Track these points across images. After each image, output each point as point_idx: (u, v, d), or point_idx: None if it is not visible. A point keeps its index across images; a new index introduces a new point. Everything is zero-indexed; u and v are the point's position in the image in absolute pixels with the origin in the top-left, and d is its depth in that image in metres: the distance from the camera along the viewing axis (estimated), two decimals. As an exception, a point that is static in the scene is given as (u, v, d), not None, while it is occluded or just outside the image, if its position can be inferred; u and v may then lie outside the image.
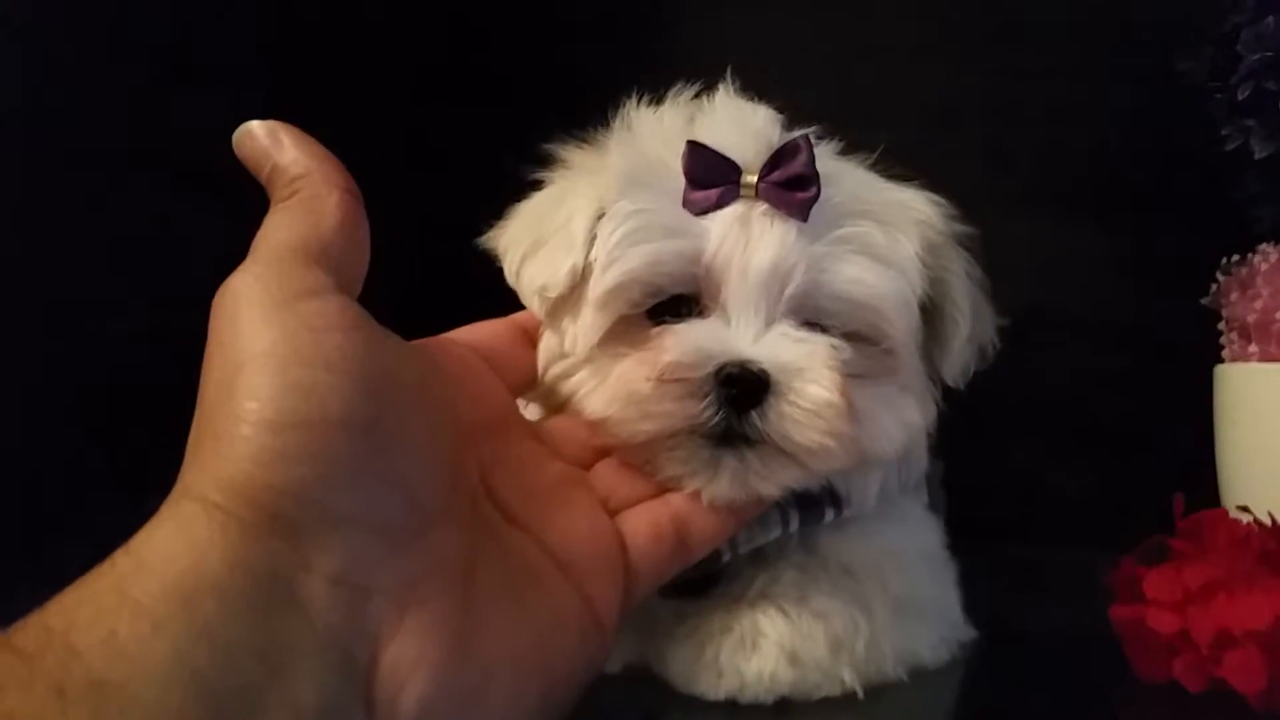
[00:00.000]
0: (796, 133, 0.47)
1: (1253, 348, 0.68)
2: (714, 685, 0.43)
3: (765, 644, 0.44)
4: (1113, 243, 0.84)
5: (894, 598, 0.48)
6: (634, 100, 0.49)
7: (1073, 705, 0.49)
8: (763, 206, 0.45)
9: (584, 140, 0.50)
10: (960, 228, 0.50)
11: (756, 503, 0.44)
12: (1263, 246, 0.69)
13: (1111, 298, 0.85)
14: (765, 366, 0.42)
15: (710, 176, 0.45)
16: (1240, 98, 0.63)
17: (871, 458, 0.46)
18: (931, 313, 0.48)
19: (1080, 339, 0.86)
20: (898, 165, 0.50)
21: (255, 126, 0.37)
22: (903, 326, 0.46)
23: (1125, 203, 0.84)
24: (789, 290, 0.44)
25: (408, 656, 0.31)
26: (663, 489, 0.43)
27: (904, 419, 0.47)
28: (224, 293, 0.33)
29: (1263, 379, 0.68)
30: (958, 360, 0.49)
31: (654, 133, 0.48)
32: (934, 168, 0.49)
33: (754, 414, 0.42)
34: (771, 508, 0.46)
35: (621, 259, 0.45)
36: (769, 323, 0.44)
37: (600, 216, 0.46)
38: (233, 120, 0.37)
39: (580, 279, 0.46)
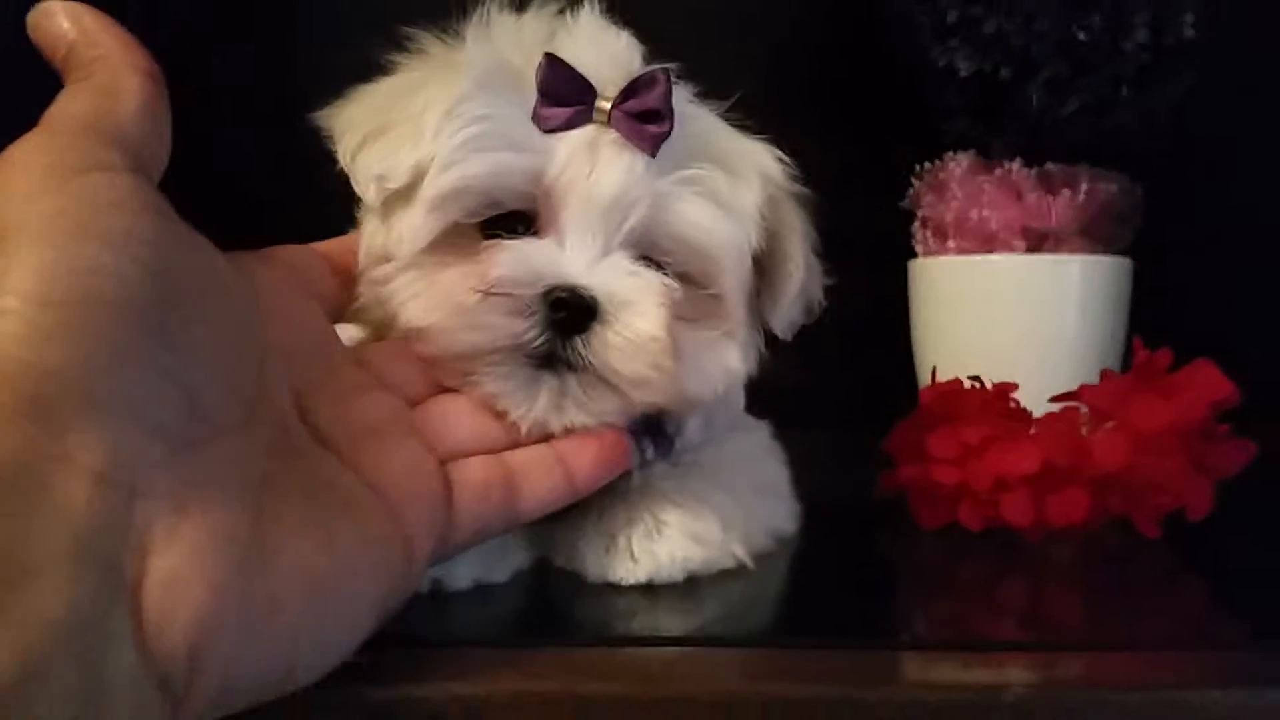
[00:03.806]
0: (657, 65, 0.46)
1: (951, 243, 0.78)
2: (630, 570, 0.45)
3: (669, 530, 0.46)
4: (817, 154, 0.92)
5: (754, 485, 0.52)
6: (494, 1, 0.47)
7: (883, 552, 0.57)
8: (613, 134, 0.44)
9: (445, 32, 0.48)
10: (800, 188, 0.51)
11: (591, 475, 0.44)
12: (952, 155, 0.79)
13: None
14: (596, 294, 0.43)
15: (564, 95, 0.44)
16: (949, 20, 0.71)
17: (689, 397, 0.46)
18: (765, 265, 0.49)
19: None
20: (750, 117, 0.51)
21: (54, 6, 0.34)
22: (735, 274, 0.47)
23: (821, 116, 0.92)
24: (629, 223, 0.44)
25: (183, 571, 0.28)
26: (490, 439, 0.43)
27: (724, 364, 0.48)
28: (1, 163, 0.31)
29: (955, 270, 0.78)
30: (787, 313, 0.50)
31: (512, 40, 0.46)
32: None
33: (579, 340, 0.42)
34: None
35: (461, 163, 0.43)
36: (605, 252, 0.44)
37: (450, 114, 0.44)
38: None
39: (421, 176, 0.44)
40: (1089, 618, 0.47)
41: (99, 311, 0.28)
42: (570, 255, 0.44)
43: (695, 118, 0.48)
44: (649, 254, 0.46)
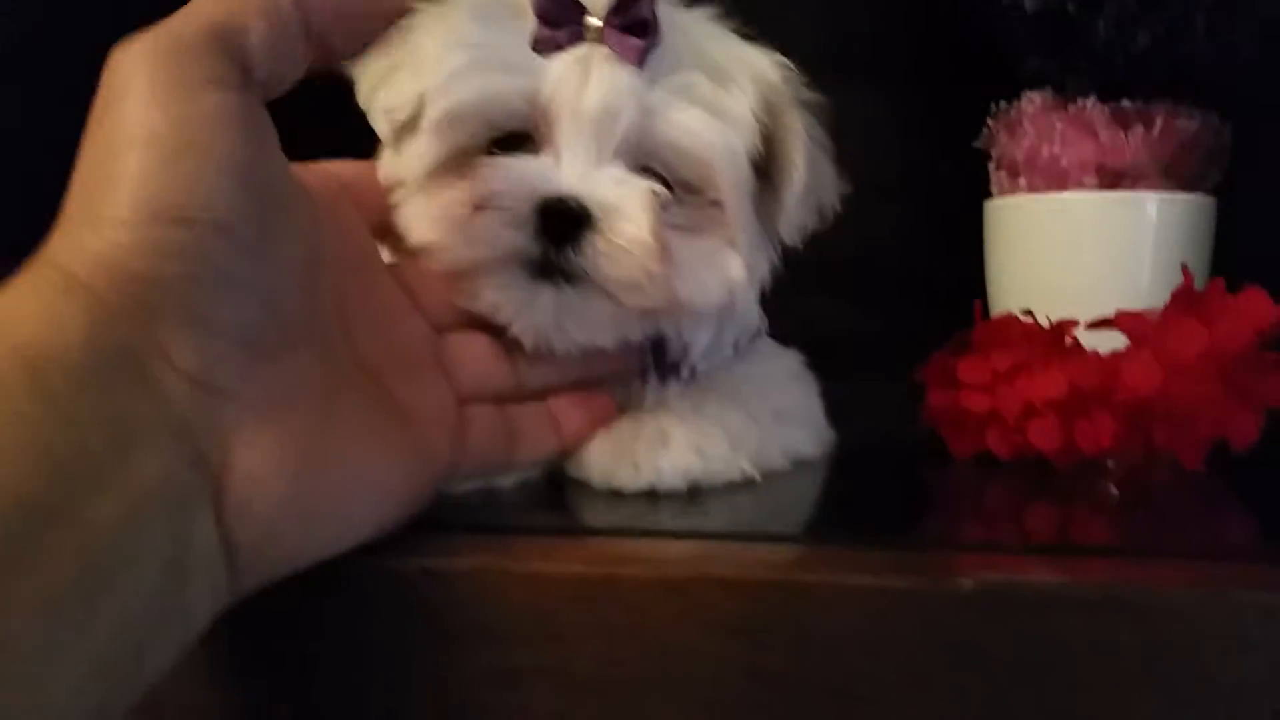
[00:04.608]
0: None
1: (1022, 181, 0.77)
2: (633, 478, 0.47)
3: (674, 442, 0.48)
4: (883, 97, 0.90)
5: (773, 408, 0.53)
6: None
7: (911, 479, 0.57)
8: (604, 50, 0.46)
9: None
10: (806, 93, 0.51)
11: (580, 435, 0.49)
12: (1027, 93, 0.78)
13: (886, 149, 0.92)
14: (584, 202, 0.44)
15: (558, 17, 0.46)
16: (1014, -46, 0.70)
17: (685, 305, 0.47)
18: (768, 169, 0.50)
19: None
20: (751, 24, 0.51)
21: None
22: (730, 179, 0.47)
23: (891, 59, 0.91)
24: (618, 133, 0.46)
25: (262, 469, 0.32)
26: (499, 384, 0.47)
27: (725, 274, 0.48)
28: (116, 64, 0.33)
29: (1029, 208, 0.77)
30: (793, 218, 0.50)
31: None
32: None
33: (570, 248, 0.44)
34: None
35: (455, 89, 0.46)
36: (598, 164, 0.46)
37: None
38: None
39: (424, 105, 0.46)
40: (1113, 529, 0.47)
41: (204, 231, 0.32)
42: (563, 168, 0.46)
43: (689, 28, 0.49)
44: (646, 164, 0.47)
